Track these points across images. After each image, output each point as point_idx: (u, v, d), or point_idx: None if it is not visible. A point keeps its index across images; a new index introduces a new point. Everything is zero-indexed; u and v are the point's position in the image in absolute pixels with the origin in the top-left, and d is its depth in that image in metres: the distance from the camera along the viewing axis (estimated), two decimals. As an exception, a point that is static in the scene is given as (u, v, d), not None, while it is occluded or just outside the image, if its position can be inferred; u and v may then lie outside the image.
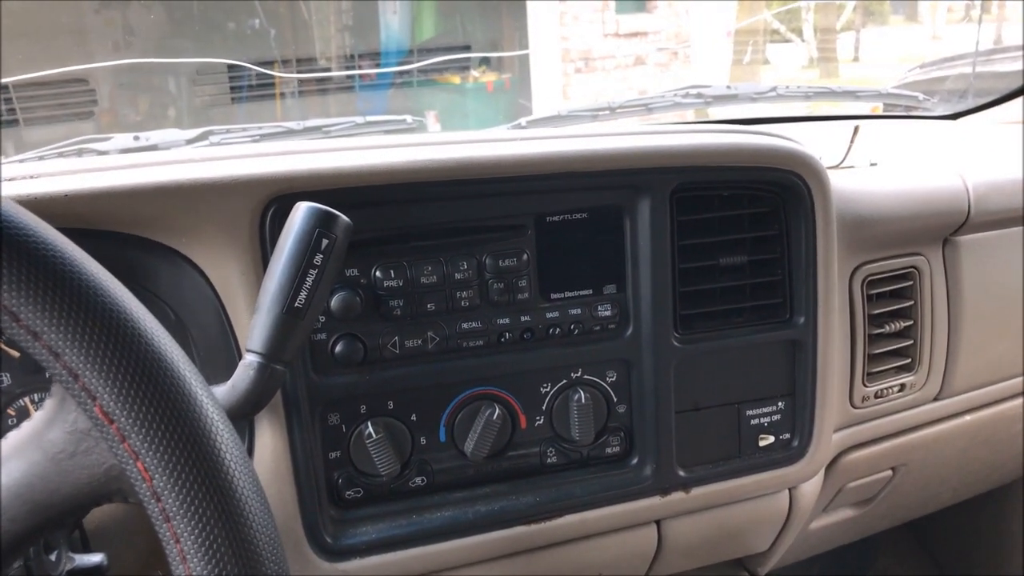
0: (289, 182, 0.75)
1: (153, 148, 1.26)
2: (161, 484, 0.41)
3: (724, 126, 0.97)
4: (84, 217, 0.72)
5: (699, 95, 1.55)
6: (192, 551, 0.41)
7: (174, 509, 0.41)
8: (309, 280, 0.64)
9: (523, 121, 1.43)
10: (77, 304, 0.40)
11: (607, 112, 1.50)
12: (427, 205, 0.80)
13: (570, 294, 0.84)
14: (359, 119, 1.42)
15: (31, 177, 0.77)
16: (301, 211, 0.66)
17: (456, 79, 5.60)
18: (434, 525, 0.82)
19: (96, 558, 0.67)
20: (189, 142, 1.29)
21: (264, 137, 1.29)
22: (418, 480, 0.83)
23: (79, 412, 0.44)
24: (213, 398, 0.44)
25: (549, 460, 0.86)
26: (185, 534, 0.41)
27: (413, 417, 0.82)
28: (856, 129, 1.18)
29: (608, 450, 0.87)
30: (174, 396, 0.42)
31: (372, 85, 5.69)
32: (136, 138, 1.31)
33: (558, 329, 0.84)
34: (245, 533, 0.42)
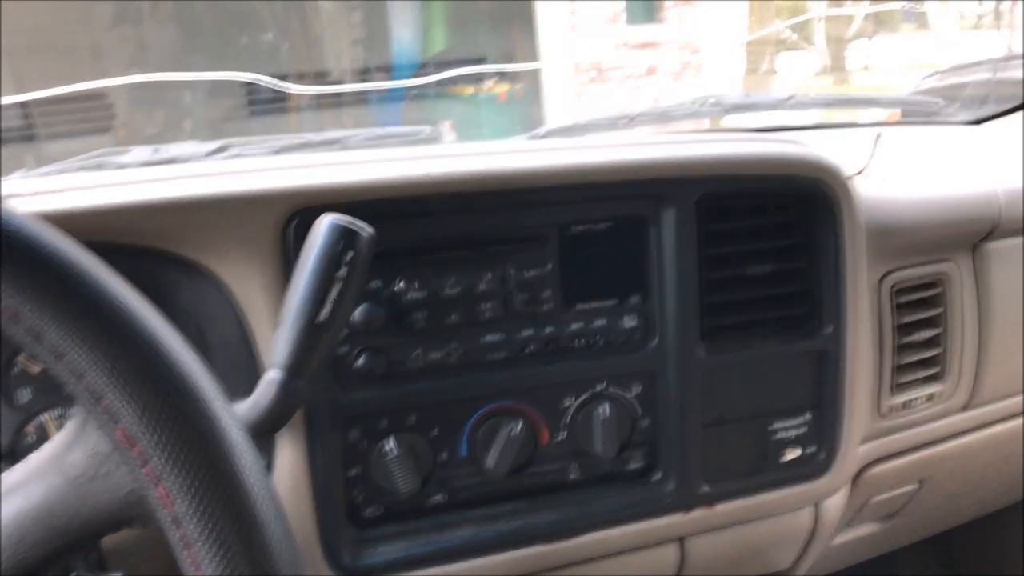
0: (311, 195, 0.74)
1: (172, 161, 1.26)
2: (182, 510, 0.40)
3: (746, 135, 0.96)
4: (106, 231, 0.72)
5: (717, 104, 1.54)
6: None
7: (195, 535, 0.40)
8: (333, 293, 0.63)
9: (541, 131, 1.42)
10: (101, 325, 0.40)
11: (625, 121, 1.49)
12: (450, 217, 0.79)
13: (594, 305, 0.83)
14: (376, 131, 1.41)
15: (54, 192, 0.76)
16: (324, 224, 0.65)
17: (469, 90, 5.62)
18: (455, 544, 0.81)
19: (114, 577, 0.66)
20: (208, 155, 1.29)
21: (282, 149, 1.29)
22: (438, 497, 0.82)
23: (100, 435, 0.43)
24: (237, 421, 0.43)
25: (571, 476, 0.85)
26: (206, 561, 0.40)
27: (434, 432, 0.81)
28: (878, 136, 1.17)
29: (631, 465, 0.86)
30: (197, 420, 0.41)
31: (386, 97, 5.72)
32: (155, 151, 1.31)
33: (582, 340, 0.82)
34: (267, 560, 0.41)
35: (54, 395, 0.83)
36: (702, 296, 0.84)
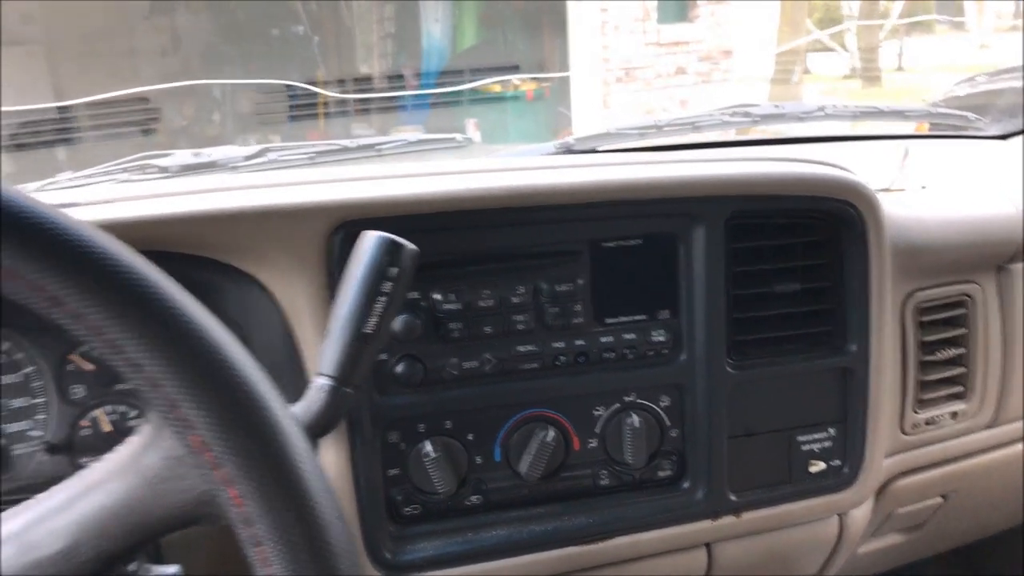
0: (355, 208, 0.77)
1: (212, 165, 1.29)
2: (253, 510, 0.43)
3: (777, 152, 0.98)
4: (161, 241, 0.75)
5: (746, 114, 1.55)
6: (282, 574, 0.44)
7: (265, 534, 0.44)
8: (378, 307, 0.66)
9: (572, 139, 1.44)
10: (176, 340, 0.43)
11: (654, 130, 1.51)
12: (485, 231, 0.82)
13: (624, 319, 0.85)
14: (410, 137, 1.44)
15: (108, 201, 0.80)
16: (370, 240, 0.68)
17: (496, 87, 5.62)
18: (490, 543, 0.84)
19: (172, 570, 0.69)
20: (247, 159, 1.32)
21: (320, 155, 1.32)
22: (474, 498, 0.85)
23: (175, 440, 0.46)
24: (300, 427, 0.47)
25: (601, 482, 0.88)
26: (274, 558, 0.44)
27: (470, 437, 0.84)
28: (906, 152, 1.18)
29: (660, 473, 0.89)
30: (265, 428, 0.44)
31: (415, 96, 5.74)
32: (196, 154, 1.35)
33: (612, 353, 0.85)
34: (330, 558, 0.44)
35: (105, 392, 0.87)
36: (730, 312, 0.86)
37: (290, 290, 0.78)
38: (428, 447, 0.81)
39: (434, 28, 6.35)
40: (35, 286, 0.40)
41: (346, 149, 1.37)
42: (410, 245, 0.68)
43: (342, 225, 0.77)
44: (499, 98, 5.69)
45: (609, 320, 0.85)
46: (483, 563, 0.84)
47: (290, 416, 0.46)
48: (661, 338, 0.86)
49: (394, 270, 0.67)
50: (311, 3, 6.39)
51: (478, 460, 0.84)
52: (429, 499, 0.83)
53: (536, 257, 0.83)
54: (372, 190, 0.80)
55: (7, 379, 0.85)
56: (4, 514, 0.48)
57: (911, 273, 0.99)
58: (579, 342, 0.84)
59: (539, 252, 0.83)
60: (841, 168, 0.90)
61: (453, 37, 6.39)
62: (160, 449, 0.47)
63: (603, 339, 0.85)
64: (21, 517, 0.47)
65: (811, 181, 0.86)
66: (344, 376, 0.66)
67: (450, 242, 0.81)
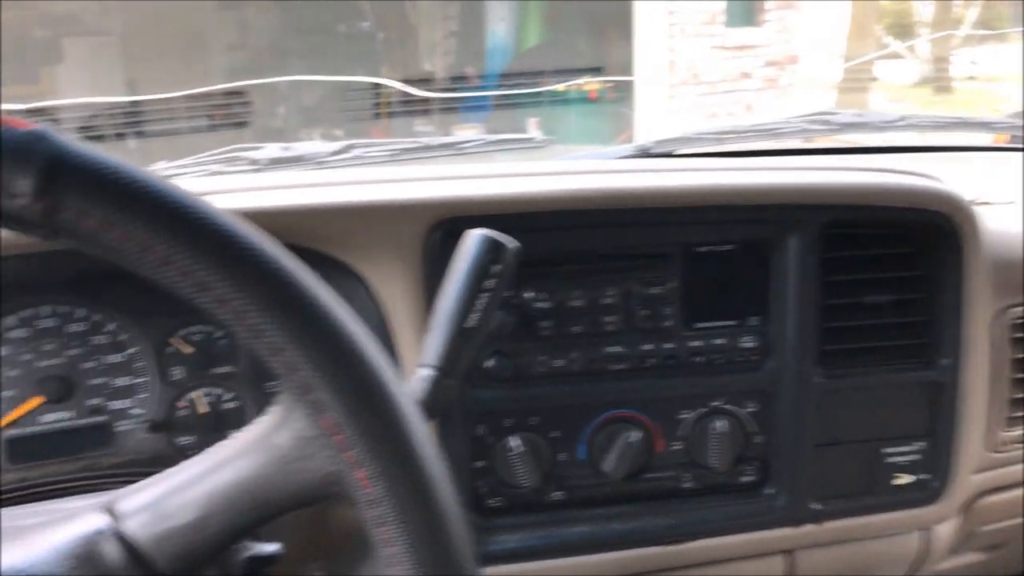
0: (456, 206, 0.79)
1: (299, 159, 1.33)
2: (379, 493, 0.45)
3: (861, 162, 0.97)
4: (271, 231, 0.78)
5: (826, 122, 1.54)
6: (404, 554, 0.45)
7: (389, 516, 0.45)
8: (480, 302, 0.68)
9: (651, 142, 1.45)
10: (313, 328, 0.45)
11: (732, 135, 1.50)
12: (579, 231, 0.83)
13: (714, 324, 0.86)
14: (490, 136, 1.47)
15: (218, 192, 0.83)
16: (475, 237, 0.69)
17: (559, 87, 5.62)
18: (571, 539, 0.85)
19: (273, 547, 0.72)
20: (332, 154, 1.35)
21: (403, 152, 1.35)
22: (557, 494, 0.86)
23: (306, 421, 0.48)
24: (422, 414, 0.48)
25: (684, 484, 0.88)
26: (398, 538, 0.45)
27: (555, 433, 0.85)
28: (993, 163, 1.16)
29: (743, 478, 0.89)
30: (394, 415, 0.46)
31: (486, 96, 5.76)
32: (284, 148, 1.38)
33: (700, 358, 0.86)
34: (448, 541, 0.46)
35: (202, 375, 0.90)
36: (821, 321, 0.86)
37: (388, 284, 0.80)
38: (514, 441, 0.83)
39: (498, 27, 6.37)
40: (185, 272, 0.42)
41: (428, 147, 1.39)
42: (513, 243, 0.70)
43: (441, 222, 0.79)
44: (562, 98, 5.69)
45: (698, 324, 0.85)
46: (563, 558, 0.85)
47: (414, 405, 0.48)
48: (750, 344, 0.86)
49: (497, 267, 0.69)
50: (378, 1, 6.47)
51: (562, 457, 0.86)
52: (513, 492, 0.85)
53: (628, 259, 0.84)
54: (471, 189, 0.82)
55: (112, 359, 0.89)
56: (138, 485, 0.50)
57: (1005, 288, 0.97)
58: (668, 345, 0.85)
59: (631, 254, 0.84)
60: (936, 179, 0.89)
61: (517, 37, 6.41)
62: (291, 429, 0.49)
63: (692, 343, 0.85)
64: (156, 488, 0.49)
65: (909, 192, 0.85)
66: (447, 368, 0.68)
67: (544, 242, 0.82)
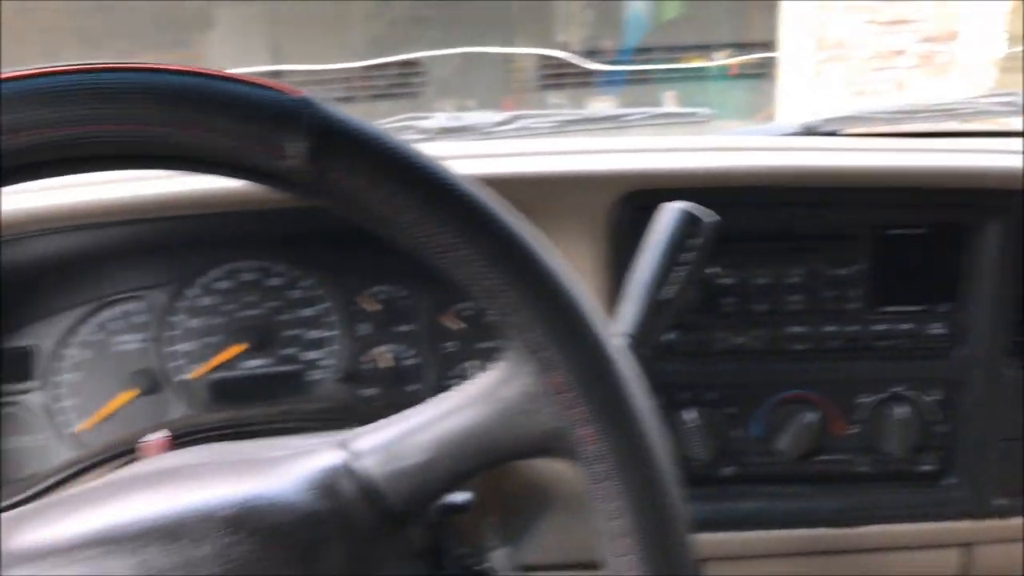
0: (645, 179, 0.80)
1: (467, 129, 1.37)
2: (602, 450, 0.47)
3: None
4: None
5: (1011, 103, 1.46)
6: (624, 509, 0.47)
7: (611, 472, 0.47)
8: (678, 275, 0.69)
9: (820, 120, 1.41)
10: (547, 291, 0.47)
11: (906, 115, 1.45)
12: (767, 209, 0.83)
13: (902, 308, 0.84)
14: (654, 110, 1.46)
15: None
16: (671, 211, 0.70)
17: (699, 61, 5.51)
18: (741, 514, 0.86)
19: (465, 496, 0.76)
20: (497, 124, 1.38)
21: (565, 124, 1.36)
22: (728, 469, 0.87)
23: (533, 378, 0.51)
24: (640, 377, 0.50)
25: (859, 469, 0.87)
26: (618, 494, 0.47)
27: (731, 410, 0.86)
28: None
29: (922, 467, 0.87)
30: (615, 375, 0.48)
31: (612, 62, 5.71)
32: (452, 118, 1.42)
33: (885, 342, 0.84)
34: (666, 498, 0.48)
35: (386, 331, 0.95)
36: (1019, 311, 0.83)
37: (573, 252, 0.82)
38: (689, 415, 0.84)
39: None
40: (434, 234, 0.45)
41: (590, 119, 1.40)
42: (712, 218, 0.70)
43: (629, 195, 0.80)
44: (700, 73, 5.57)
45: (885, 308, 0.84)
46: (733, 532, 0.86)
47: (633, 366, 0.49)
48: (939, 331, 0.84)
49: (695, 241, 0.70)
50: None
51: (736, 433, 0.86)
52: (686, 465, 0.86)
53: (816, 239, 0.83)
54: (659, 162, 0.82)
55: (305, 312, 0.95)
56: (371, 426, 0.54)
57: None
58: (852, 328, 0.84)
59: (820, 234, 0.83)
60: None
61: (656, 8, 6.30)
62: (517, 384, 0.51)
63: (877, 327, 0.84)
64: (388, 430, 0.53)
65: None
66: (641, 337, 0.70)
67: (731, 217, 0.82)
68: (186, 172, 0.42)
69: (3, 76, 0.38)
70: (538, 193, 0.81)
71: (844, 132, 1.35)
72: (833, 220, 0.83)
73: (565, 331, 0.48)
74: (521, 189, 0.82)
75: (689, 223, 0.70)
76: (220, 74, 0.41)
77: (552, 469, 0.87)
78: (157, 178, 0.82)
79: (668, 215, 0.71)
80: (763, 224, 0.83)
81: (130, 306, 0.92)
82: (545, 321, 0.48)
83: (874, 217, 0.83)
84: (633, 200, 0.80)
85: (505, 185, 0.82)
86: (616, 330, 0.71)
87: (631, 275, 0.71)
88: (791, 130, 1.34)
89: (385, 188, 0.43)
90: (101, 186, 0.80)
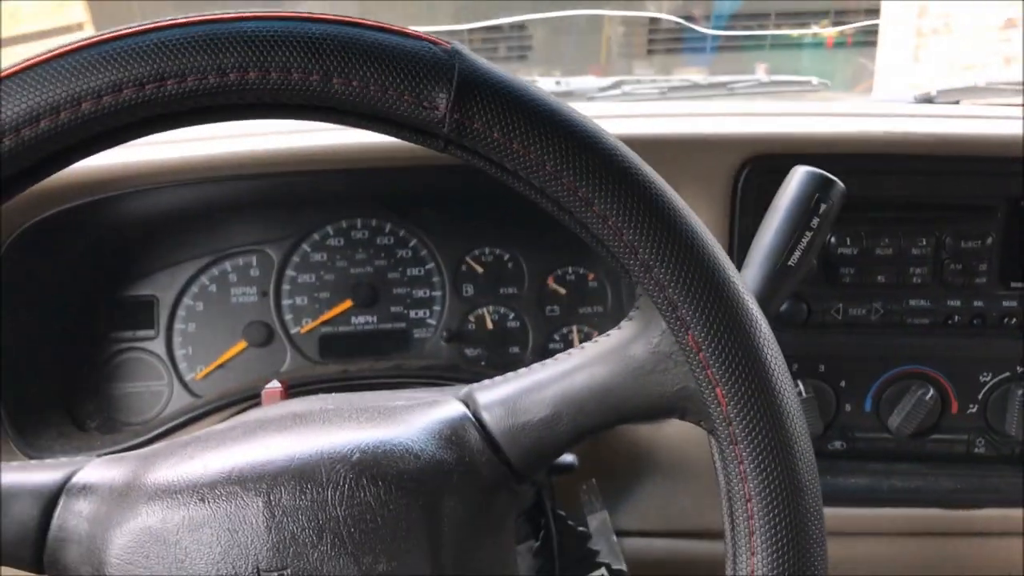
0: (768, 144, 0.78)
1: (571, 94, 1.36)
2: (734, 412, 0.46)
3: None
4: None
5: None
6: (752, 472, 0.46)
7: (741, 435, 0.47)
8: (804, 241, 0.67)
9: (934, 91, 1.35)
10: (684, 247, 0.46)
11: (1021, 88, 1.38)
12: (893, 177, 0.80)
13: None
14: (763, 78, 1.42)
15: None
16: (801, 174, 0.68)
17: (793, 32, 5.33)
18: (850, 489, 0.84)
19: (571, 458, 0.76)
20: (602, 90, 1.37)
21: (672, 90, 1.34)
22: (838, 444, 0.85)
23: (663, 336, 0.50)
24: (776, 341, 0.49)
25: (976, 450, 0.84)
26: (747, 458, 0.46)
27: (842, 383, 0.84)
28: None
29: None
30: (754, 334, 0.47)
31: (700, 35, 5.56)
32: (557, 83, 1.42)
33: (1013, 320, 0.81)
34: (794, 461, 0.47)
35: (490, 293, 0.96)
36: None
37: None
38: (800, 387, 0.82)
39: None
40: (572, 188, 0.45)
41: (697, 86, 1.37)
42: (840, 183, 0.68)
43: (753, 159, 0.78)
44: (795, 42, 5.39)
45: (1015, 284, 0.80)
46: (840, 507, 0.84)
47: (769, 329, 0.48)
48: None
49: (824, 206, 0.67)
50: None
51: (847, 407, 0.84)
52: None
53: (944, 209, 0.80)
54: (788, 126, 0.80)
55: (413, 271, 0.96)
56: (494, 380, 0.54)
57: None
58: (978, 303, 0.81)
59: (948, 204, 0.80)
60: None
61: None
62: (647, 343, 0.51)
63: (1005, 303, 0.80)
64: (511, 385, 0.53)
65: None
66: (763, 303, 0.68)
67: (855, 185, 0.80)
68: (329, 122, 0.43)
69: (163, 24, 0.39)
70: (661, 156, 0.80)
71: (966, 102, 1.30)
72: (964, 190, 0.80)
73: (704, 289, 0.47)
74: (643, 151, 0.81)
75: (821, 187, 0.67)
76: (372, 23, 0.42)
77: (651, 437, 0.87)
78: (277, 133, 0.84)
79: (799, 178, 0.69)
80: (888, 192, 0.80)
81: (246, 260, 0.94)
82: (684, 279, 0.47)
83: (1011, 187, 0.79)
84: (757, 164, 0.79)
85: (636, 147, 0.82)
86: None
87: (754, 240, 0.70)
88: (908, 100, 1.29)
89: (524, 140, 0.43)
90: (222, 140, 0.82)
